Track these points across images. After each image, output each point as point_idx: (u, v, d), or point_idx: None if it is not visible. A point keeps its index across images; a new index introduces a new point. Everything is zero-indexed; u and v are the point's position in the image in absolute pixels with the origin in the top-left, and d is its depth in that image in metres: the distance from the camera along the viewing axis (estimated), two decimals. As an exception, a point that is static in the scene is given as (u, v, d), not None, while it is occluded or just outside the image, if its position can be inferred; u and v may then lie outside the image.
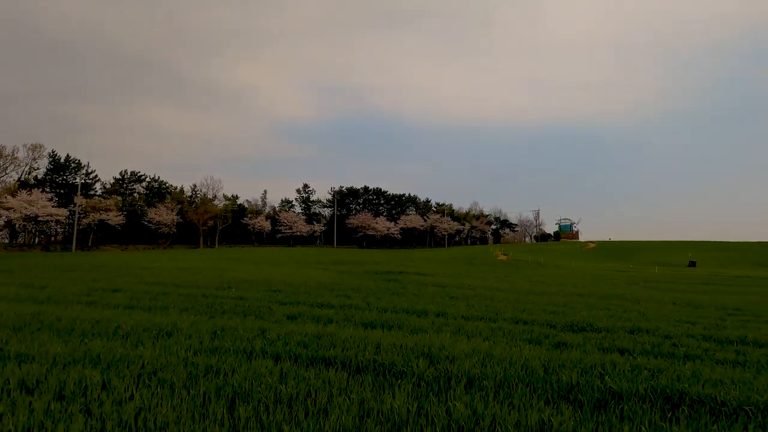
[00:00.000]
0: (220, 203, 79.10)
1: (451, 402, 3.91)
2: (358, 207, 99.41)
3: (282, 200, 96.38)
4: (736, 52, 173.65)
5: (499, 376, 4.64)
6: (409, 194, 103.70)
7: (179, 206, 72.54)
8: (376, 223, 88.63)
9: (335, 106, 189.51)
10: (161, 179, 79.86)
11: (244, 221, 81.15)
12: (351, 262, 37.50)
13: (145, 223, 69.23)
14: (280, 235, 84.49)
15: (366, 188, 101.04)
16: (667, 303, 13.30)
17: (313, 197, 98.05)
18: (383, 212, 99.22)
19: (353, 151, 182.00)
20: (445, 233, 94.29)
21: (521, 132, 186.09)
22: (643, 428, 3.49)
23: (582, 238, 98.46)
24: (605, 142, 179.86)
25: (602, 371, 4.94)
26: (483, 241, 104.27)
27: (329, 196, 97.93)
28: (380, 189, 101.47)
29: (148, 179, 78.27)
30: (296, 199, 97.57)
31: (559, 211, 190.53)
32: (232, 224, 79.58)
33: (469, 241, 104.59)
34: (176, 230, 71.62)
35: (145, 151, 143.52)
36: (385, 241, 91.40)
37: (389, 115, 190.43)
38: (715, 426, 3.56)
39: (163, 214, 69.40)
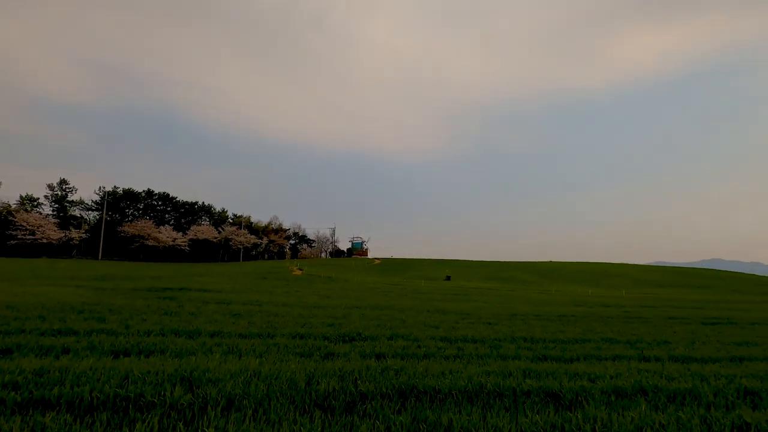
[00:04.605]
0: None
1: (202, 429, 3.69)
2: (137, 213, 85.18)
3: (22, 196, 74.39)
4: (496, 117, 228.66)
5: (261, 394, 4.63)
6: (203, 203, 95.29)
7: None
8: (160, 232, 77.59)
9: (122, 93, 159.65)
10: None
11: (-50, 221, 58.80)
12: (120, 278, 31.58)
13: None
14: (14, 242, 64.48)
15: (150, 192, 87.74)
16: (424, 311, 15.97)
17: (73, 196, 79.13)
18: (170, 221, 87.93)
19: (139, 147, 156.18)
20: (241, 246, 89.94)
21: (325, 154, 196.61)
22: (377, 422, 4.05)
23: (370, 255, 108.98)
24: (394, 171, 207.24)
25: (357, 376, 5.52)
26: (281, 255, 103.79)
27: (98, 197, 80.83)
28: (168, 194, 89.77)
29: None
30: (46, 196, 76.85)
31: (353, 230, 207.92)
32: (-74, 224, 56.54)
33: (266, 255, 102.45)
34: None
35: None
36: (171, 254, 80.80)
37: (190, 116, 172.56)
38: (428, 410, 4.43)
39: None
